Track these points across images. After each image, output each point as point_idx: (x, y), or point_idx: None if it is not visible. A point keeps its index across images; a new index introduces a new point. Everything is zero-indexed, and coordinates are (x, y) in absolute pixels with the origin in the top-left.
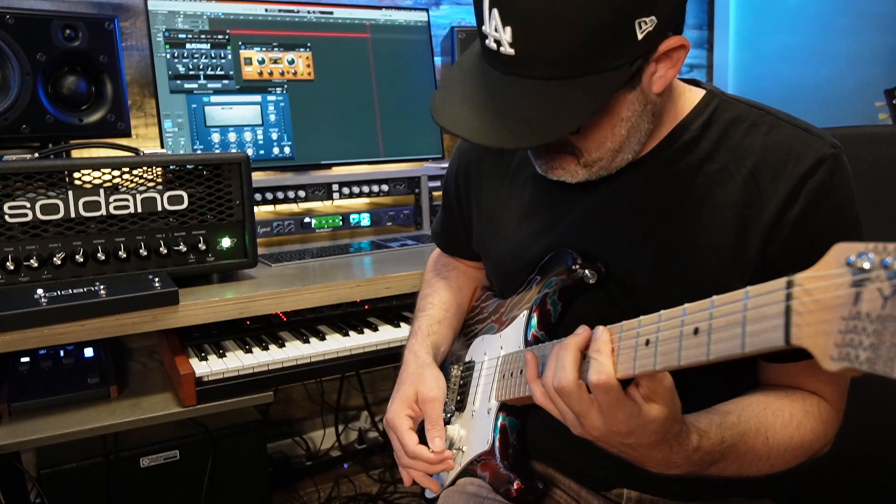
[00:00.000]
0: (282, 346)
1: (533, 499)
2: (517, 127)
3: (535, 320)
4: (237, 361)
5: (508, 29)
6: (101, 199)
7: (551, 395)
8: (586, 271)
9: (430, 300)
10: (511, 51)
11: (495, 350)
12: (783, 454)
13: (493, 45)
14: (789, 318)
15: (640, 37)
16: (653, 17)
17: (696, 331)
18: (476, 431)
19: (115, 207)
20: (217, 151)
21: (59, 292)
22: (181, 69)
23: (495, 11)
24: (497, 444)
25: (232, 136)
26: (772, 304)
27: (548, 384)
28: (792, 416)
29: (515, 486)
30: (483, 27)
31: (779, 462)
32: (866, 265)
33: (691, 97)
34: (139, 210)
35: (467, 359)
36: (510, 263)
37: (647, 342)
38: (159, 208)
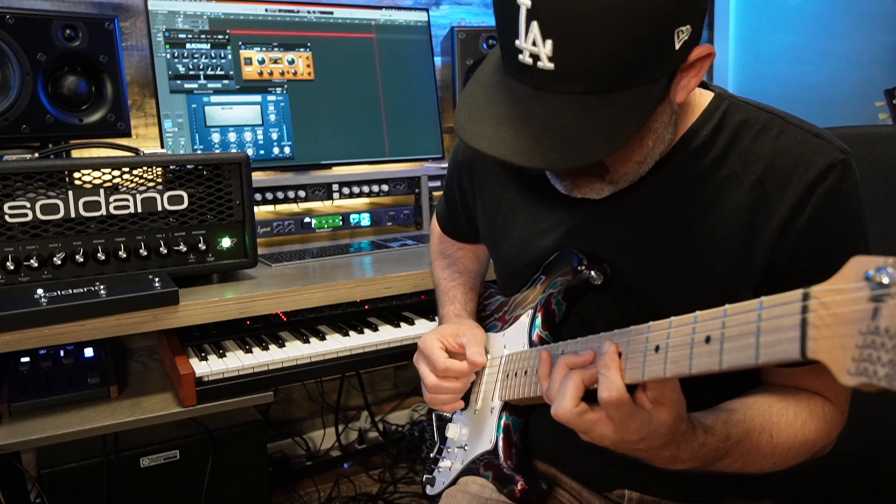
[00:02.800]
0: (282, 346)
1: (537, 499)
2: (560, 146)
3: (539, 320)
4: (237, 361)
5: (549, 42)
6: (101, 199)
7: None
8: (592, 272)
9: (457, 269)
10: (550, 65)
11: (498, 349)
12: (786, 452)
13: (529, 61)
14: (805, 330)
15: (677, 46)
16: (688, 26)
17: (707, 339)
18: (478, 430)
19: (115, 207)
20: (217, 151)
21: (59, 292)
22: (181, 69)
23: (534, 24)
24: (500, 443)
25: (232, 136)
26: (787, 316)
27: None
28: (797, 416)
29: (519, 487)
30: (517, 41)
31: (781, 460)
32: (885, 280)
33: (700, 100)
34: (139, 210)
35: None
36: (514, 261)
37: (657, 348)
38: (159, 208)
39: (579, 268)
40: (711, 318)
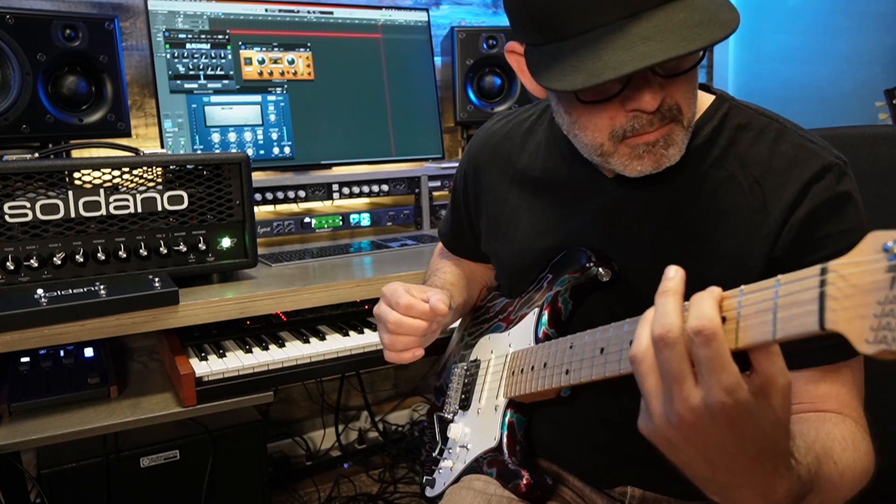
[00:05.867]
0: (282, 346)
1: (542, 494)
2: (701, 27)
3: (545, 318)
4: (237, 361)
5: None
6: (101, 199)
7: (639, 358)
8: (600, 269)
9: (444, 269)
10: None
11: (503, 348)
12: (851, 481)
13: None
14: (823, 302)
15: None
16: None
17: (724, 319)
18: (482, 429)
19: (115, 207)
20: (217, 151)
21: (59, 292)
22: (181, 69)
23: None
24: (505, 440)
25: (232, 136)
26: (805, 291)
27: (642, 343)
28: (844, 439)
29: (525, 481)
30: None
31: (849, 490)
32: None
33: (702, 101)
34: (139, 210)
35: (472, 357)
36: (518, 262)
37: None
38: (159, 208)
39: (587, 265)
40: (727, 299)
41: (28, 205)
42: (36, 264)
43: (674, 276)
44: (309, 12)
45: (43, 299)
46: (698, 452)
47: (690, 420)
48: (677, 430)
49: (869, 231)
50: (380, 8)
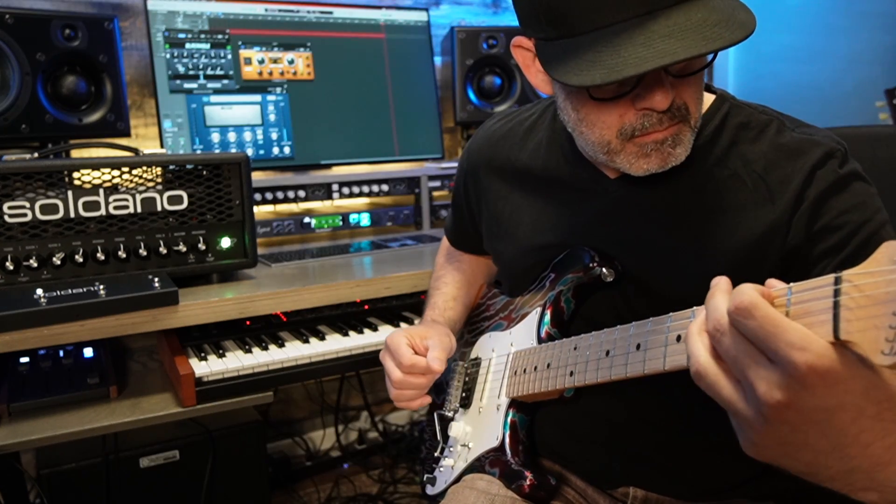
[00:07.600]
0: (282, 346)
1: (545, 494)
2: (718, 28)
3: (548, 317)
4: (237, 361)
5: None
6: (101, 199)
7: (703, 369)
8: (603, 269)
9: (445, 279)
10: None
11: (504, 347)
12: None
13: None
14: (838, 312)
15: None
16: None
17: None
18: (483, 428)
19: (115, 207)
20: (217, 151)
21: (58, 292)
22: (181, 69)
23: None
24: (507, 440)
25: (232, 136)
26: (819, 300)
27: (700, 354)
28: None
29: (528, 482)
30: None
31: None
32: None
33: (703, 101)
34: (139, 210)
35: (473, 355)
36: (519, 260)
37: (679, 338)
38: (159, 208)
39: (591, 265)
40: None
41: (27, 205)
42: (35, 264)
43: (719, 280)
44: (309, 12)
45: (42, 299)
46: (818, 434)
47: (785, 400)
48: (781, 423)
49: (881, 205)
50: (379, 8)
